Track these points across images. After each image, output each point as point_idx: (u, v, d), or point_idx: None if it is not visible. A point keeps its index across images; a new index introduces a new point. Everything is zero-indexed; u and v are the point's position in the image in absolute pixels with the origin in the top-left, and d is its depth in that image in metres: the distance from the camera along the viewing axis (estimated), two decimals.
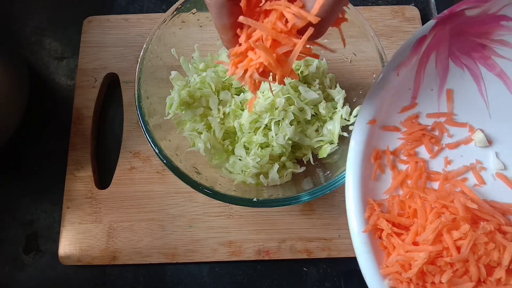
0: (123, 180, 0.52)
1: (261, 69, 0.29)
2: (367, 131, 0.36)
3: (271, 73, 0.30)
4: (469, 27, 0.38)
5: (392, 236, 0.33)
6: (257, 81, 0.30)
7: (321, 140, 0.47)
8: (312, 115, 0.47)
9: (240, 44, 0.29)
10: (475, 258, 0.31)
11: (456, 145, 0.37)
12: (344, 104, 0.48)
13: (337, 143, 0.47)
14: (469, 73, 0.39)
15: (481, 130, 0.37)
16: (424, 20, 0.59)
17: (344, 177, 0.41)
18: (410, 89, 0.38)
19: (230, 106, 0.47)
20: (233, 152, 0.47)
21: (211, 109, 0.47)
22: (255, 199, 0.41)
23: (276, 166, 0.45)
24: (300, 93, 0.46)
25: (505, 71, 0.38)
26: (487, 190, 0.36)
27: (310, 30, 0.27)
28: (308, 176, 0.47)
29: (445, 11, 0.38)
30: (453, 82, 0.39)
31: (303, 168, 0.47)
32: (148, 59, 0.45)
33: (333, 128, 0.47)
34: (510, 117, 0.38)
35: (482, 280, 0.31)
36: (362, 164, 0.36)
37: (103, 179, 0.53)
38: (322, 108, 0.47)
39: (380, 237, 0.34)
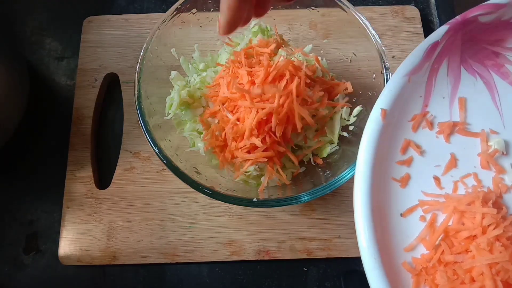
0: (123, 180, 0.52)
1: None
2: (378, 135, 0.34)
3: None
4: (482, 34, 0.37)
5: None
6: None
7: (321, 140, 0.47)
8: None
9: None
10: (493, 272, 0.30)
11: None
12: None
13: (337, 143, 0.47)
14: (482, 81, 0.37)
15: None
16: (424, 20, 0.59)
17: (344, 177, 0.41)
18: (421, 97, 0.37)
19: None
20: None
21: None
22: (255, 199, 0.41)
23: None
24: None
25: None
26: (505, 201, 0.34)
27: None
28: (308, 176, 0.47)
29: (457, 16, 0.36)
30: (465, 91, 0.37)
31: (303, 169, 0.47)
32: (148, 59, 0.45)
33: (333, 128, 0.47)
34: None
35: None
36: (372, 172, 0.34)
37: (103, 179, 0.53)
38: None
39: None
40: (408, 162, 0.35)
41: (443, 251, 0.32)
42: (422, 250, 0.33)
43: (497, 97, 0.37)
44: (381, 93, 0.36)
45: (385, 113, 0.35)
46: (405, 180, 0.35)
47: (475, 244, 0.31)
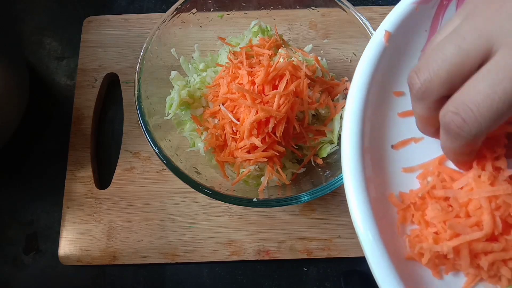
0: (123, 180, 0.52)
1: None
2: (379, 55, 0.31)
3: None
4: None
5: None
6: None
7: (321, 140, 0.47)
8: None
9: None
10: (492, 207, 0.26)
11: None
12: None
13: (337, 143, 0.47)
14: None
15: None
16: None
17: None
18: (426, 31, 0.34)
19: None
20: None
21: None
22: (255, 199, 0.41)
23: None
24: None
25: None
26: None
27: None
28: (308, 176, 0.47)
29: None
30: None
31: (303, 169, 0.47)
32: (148, 59, 0.45)
33: (333, 128, 0.47)
34: None
35: (495, 233, 0.26)
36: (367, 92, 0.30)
37: (103, 179, 0.53)
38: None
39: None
40: (407, 94, 0.31)
41: (434, 185, 0.28)
42: (411, 185, 0.30)
43: None
44: (386, 16, 0.33)
45: (389, 35, 0.31)
46: (402, 111, 0.32)
47: (473, 176, 0.27)
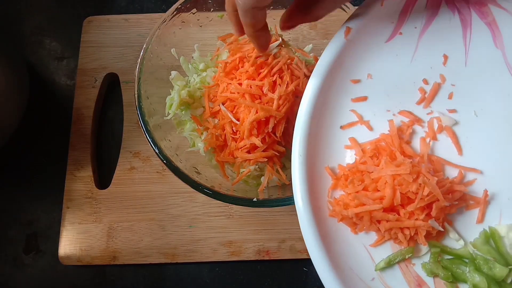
0: (123, 180, 0.52)
1: None
2: (339, 50, 0.36)
3: None
4: None
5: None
6: None
7: None
8: None
9: None
10: (395, 183, 0.32)
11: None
12: None
13: None
14: (459, 17, 0.37)
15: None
16: None
17: None
18: (393, 23, 0.37)
19: None
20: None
21: None
22: (255, 199, 0.41)
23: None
24: None
25: (498, 21, 0.36)
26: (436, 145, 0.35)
27: None
28: None
29: None
30: (439, 24, 0.37)
31: None
32: (148, 59, 0.45)
33: None
34: (485, 70, 0.36)
35: (394, 204, 0.32)
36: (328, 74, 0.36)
37: (103, 179, 0.53)
38: None
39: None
40: (363, 81, 0.36)
41: (365, 162, 0.34)
42: (349, 160, 0.35)
43: (469, 34, 0.37)
44: (352, 13, 0.37)
45: (349, 31, 0.36)
46: (355, 97, 0.36)
47: (385, 158, 0.33)
